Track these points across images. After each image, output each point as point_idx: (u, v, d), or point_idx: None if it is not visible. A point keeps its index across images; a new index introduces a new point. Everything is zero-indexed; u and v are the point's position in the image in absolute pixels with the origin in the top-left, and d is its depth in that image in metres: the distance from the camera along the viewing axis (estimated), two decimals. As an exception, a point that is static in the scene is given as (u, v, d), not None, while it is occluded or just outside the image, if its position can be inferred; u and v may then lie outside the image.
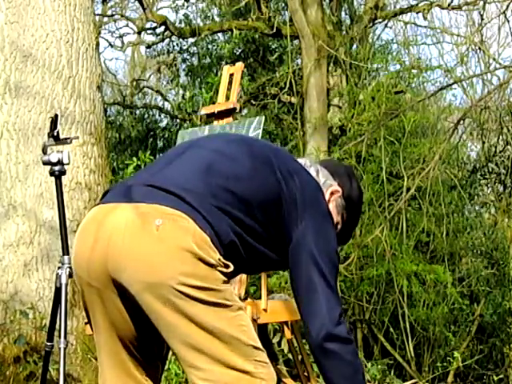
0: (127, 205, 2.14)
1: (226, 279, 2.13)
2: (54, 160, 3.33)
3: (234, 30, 10.45)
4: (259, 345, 2.17)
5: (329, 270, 2.21)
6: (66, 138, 3.43)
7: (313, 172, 2.36)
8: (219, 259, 2.10)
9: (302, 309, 2.26)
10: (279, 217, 2.21)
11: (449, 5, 10.92)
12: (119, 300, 2.17)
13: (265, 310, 3.29)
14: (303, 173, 2.30)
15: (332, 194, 2.38)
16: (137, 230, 2.10)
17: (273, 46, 11.82)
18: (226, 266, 2.12)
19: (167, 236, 2.08)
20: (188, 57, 12.59)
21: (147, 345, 2.27)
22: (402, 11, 11.09)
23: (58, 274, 3.36)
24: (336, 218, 2.37)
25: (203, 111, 3.88)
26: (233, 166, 2.22)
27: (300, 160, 2.40)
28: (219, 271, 2.10)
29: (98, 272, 2.15)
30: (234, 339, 2.10)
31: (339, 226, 2.40)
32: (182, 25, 11.89)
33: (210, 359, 2.09)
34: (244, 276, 3.38)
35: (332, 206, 2.37)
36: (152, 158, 6.80)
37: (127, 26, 13.81)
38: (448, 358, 7.71)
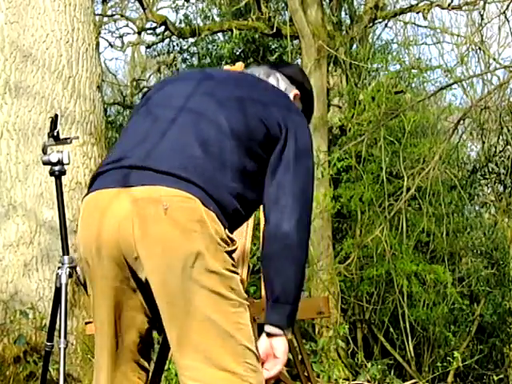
0: (130, 190, 2.13)
1: (234, 262, 2.15)
2: (54, 160, 3.32)
3: (234, 30, 10.45)
4: (253, 347, 2.16)
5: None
6: (66, 138, 3.43)
7: (273, 81, 2.53)
8: (227, 235, 2.13)
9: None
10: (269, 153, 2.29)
11: (449, 5, 10.92)
12: (131, 291, 2.18)
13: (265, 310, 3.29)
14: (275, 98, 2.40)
15: (294, 98, 2.58)
16: (145, 216, 2.09)
17: (273, 46, 11.83)
18: (232, 241, 2.15)
19: (175, 218, 2.09)
20: (188, 57, 12.61)
21: (145, 346, 2.29)
22: (402, 11, 11.09)
23: (57, 273, 3.36)
24: None
25: (203, 111, 3.88)
26: (218, 125, 2.24)
27: (255, 71, 2.56)
28: (227, 252, 2.13)
29: (110, 260, 2.15)
30: (227, 335, 2.10)
31: None
32: (182, 25, 11.90)
33: (200, 355, 2.09)
34: (244, 276, 3.38)
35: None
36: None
37: (127, 26, 13.83)
38: (448, 358, 7.71)
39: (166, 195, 2.10)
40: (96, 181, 2.25)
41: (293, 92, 2.60)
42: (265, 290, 2.32)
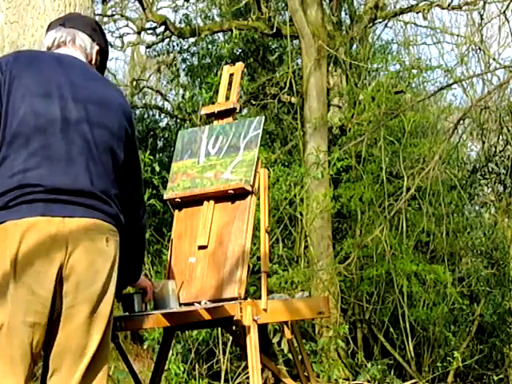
0: (68, 221, 2.49)
1: None
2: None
3: (234, 30, 10.44)
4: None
5: None
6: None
7: (79, 44, 2.83)
8: None
9: None
10: None
11: (449, 5, 10.92)
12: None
13: (265, 310, 3.29)
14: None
15: (97, 53, 2.89)
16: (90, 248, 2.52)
17: (273, 46, 11.82)
18: None
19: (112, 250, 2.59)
20: (188, 57, 12.60)
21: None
22: (402, 11, 11.09)
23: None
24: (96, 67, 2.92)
25: (203, 111, 3.87)
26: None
27: (62, 37, 2.84)
28: None
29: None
30: None
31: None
32: (182, 25, 11.89)
33: None
34: (244, 276, 3.38)
35: (97, 62, 2.91)
36: (152, 157, 6.79)
37: (127, 25, 13.84)
38: (448, 358, 7.70)
39: (103, 228, 2.63)
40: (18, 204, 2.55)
41: (95, 49, 2.89)
42: None
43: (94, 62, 2.89)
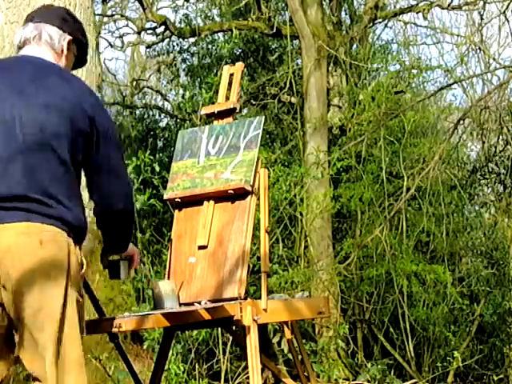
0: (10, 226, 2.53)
1: None
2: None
3: (234, 29, 10.45)
4: None
5: None
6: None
7: (46, 38, 2.83)
8: None
9: None
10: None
11: (449, 5, 10.93)
12: None
13: (265, 310, 3.29)
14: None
15: (68, 44, 2.88)
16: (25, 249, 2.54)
17: (273, 46, 11.82)
18: None
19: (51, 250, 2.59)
20: (188, 57, 12.59)
21: None
22: (402, 11, 11.09)
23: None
24: (72, 59, 2.95)
25: (203, 111, 3.88)
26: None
27: (27, 35, 2.88)
28: None
29: None
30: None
31: (73, 60, 2.98)
32: (182, 25, 11.89)
33: None
34: (244, 276, 3.38)
35: (71, 54, 2.92)
36: (152, 157, 6.79)
37: (127, 25, 13.86)
38: (448, 358, 7.70)
39: (40, 230, 2.62)
40: None
41: (66, 39, 2.88)
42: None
43: (65, 53, 2.88)
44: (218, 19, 12.24)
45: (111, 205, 2.85)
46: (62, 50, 2.87)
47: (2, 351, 2.66)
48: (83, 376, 2.62)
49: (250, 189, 3.48)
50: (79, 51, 2.97)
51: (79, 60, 3.02)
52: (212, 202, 3.57)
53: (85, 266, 2.74)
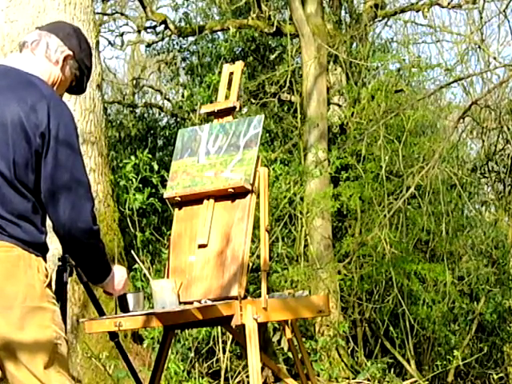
0: None
1: None
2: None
3: (231, 28, 10.45)
4: None
5: None
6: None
7: (43, 46, 2.75)
8: None
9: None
10: None
11: (448, 3, 10.92)
12: None
13: (265, 309, 3.29)
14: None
15: (65, 58, 2.79)
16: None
17: (273, 45, 11.82)
18: None
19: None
20: (188, 55, 12.59)
21: None
22: (402, 10, 11.09)
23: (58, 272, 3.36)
24: (71, 77, 2.84)
25: (203, 110, 3.88)
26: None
27: (27, 39, 2.77)
28: None
29: None
30: None
31: (74, 83, 2.88)
32: (182, 23, 11.89)
33: None
34: (244, 274, 3.38)
35: (67, 69, 2.81)
36: (150, 156, 6.79)
37: (127, 24, 13.77)
38: (448, 357, 7.70)
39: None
40: None
41: (65, 53, 2.79)
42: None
43: (60, 64, 2.77)
44: (218, 18, 12.24)
45: (63, 224, 2.69)
46: (58, 61, 2.77)
47: None
48: None
49: (249, 187, 3.48)
50: (80, 74, 2.87)
51: (77, 85, 2.91)
52: (212, 201, 3.57)
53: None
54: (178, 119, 12.09)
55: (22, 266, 2.54)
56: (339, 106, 10.74)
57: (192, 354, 6.65)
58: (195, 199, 3.60)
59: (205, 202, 3.57)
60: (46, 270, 2.62)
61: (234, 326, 3.29)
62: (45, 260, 2.64)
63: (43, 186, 2.58)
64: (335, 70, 10.71)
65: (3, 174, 2.55)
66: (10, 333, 2.49)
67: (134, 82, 14.31)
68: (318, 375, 7.28)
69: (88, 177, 2.69)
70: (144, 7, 10.83)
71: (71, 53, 2.80)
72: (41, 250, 2.62)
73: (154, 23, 11.83)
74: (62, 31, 2.81)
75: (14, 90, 2.61)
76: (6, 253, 2.53)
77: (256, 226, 3.57)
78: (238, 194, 3.50)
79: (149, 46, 13.23)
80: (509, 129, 9.32)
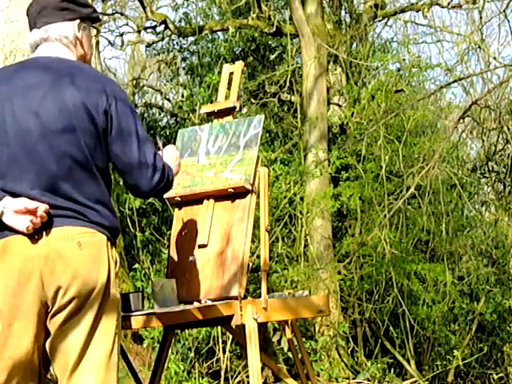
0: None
1: None
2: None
3: (231, 28, 10.44)
4: None
5: None
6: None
7: (54, 41, 2.74)
8: None
9: None
10: None
11: (448, 3, 10.92)
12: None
13: (265, 309, 3.29)
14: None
15: (78, 27, 2.78)
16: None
17: (273, 45, 11.81)
18: None
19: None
20: (188, 55, 12.59)
21: None
22: (402, 10, 11.09)
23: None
24: (88, 35, 2.84)
25: (203, 110, 3.88)
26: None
27: (36, 37, 2.76)
28: None
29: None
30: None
31: (90, 34, 2.88)
32: (182, 23, 11.89)
33: None
34: (244, 274, 3.38)
35: (84, 32, 2.82)
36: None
37: (127, 24, 13.74)
38: (448, 357, 7.71)
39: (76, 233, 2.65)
40: None
41: (75, 26, 2.78)
42: None
43: (80, 39, 2.78)
44: (217, 18, 12.24)
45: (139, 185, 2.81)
46: (77, 38, 2.78)
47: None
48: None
49: (249, 187, 3.48)
50: (92, 21, 2.87)
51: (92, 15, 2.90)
52: (212, 201, 3.57)
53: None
54: (178, 119, 12.09)
55: (103, 251, 2.61)
56: (339, 106, 10.74)
57: (192, 354, 6.65)
58: (195, 199, 3.60)
59: (205, 202, 3.57)
60: (116, 255, 2.69)
61: (234, 326, 3.29)
62: (115, 245, 2.71)
63: (118, 161, 2.67)
64: (335, 70, 10.71)
65: (76, 158, 2.58)
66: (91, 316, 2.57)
67: (134, 81, 14.30)
68: (318, 375, 7.28)
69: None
70: (144, 7, 10.82)
71: (79, 21, 2.79)
72: (115, 234, 2.70)
73: (153, 23, 11.82)
74: (57, 13, 2.77)
75: (66, 76, 2.65)
76: (90, 238, 2.58)
77: (256, 226, 3.57)
78: (238, 194, 3.50)
79: (149, 46, 13.23)
80: (509, 129, 9.32)
